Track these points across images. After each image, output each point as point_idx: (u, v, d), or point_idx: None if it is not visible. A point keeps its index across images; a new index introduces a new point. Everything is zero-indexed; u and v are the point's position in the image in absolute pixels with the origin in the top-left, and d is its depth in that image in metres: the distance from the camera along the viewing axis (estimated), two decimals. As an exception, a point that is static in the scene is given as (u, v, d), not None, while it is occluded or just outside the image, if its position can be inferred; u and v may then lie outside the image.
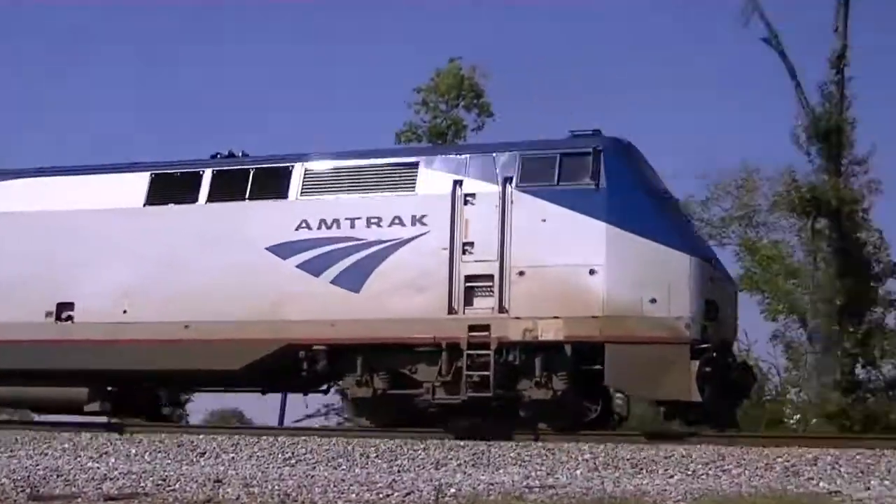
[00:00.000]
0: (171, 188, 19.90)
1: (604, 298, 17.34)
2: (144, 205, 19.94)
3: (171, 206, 19.80)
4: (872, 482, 12.63)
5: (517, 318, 17.72)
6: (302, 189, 19.11)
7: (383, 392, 18.52)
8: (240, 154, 20.44)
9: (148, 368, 19.44)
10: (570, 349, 17.65)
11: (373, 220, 18.59)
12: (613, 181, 17.79)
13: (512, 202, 18.08)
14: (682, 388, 17.03)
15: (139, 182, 20.08)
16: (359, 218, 18.66)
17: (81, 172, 20.98)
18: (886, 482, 12.56)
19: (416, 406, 18.82)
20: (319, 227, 18.84)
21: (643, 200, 17.85)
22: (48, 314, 19.91)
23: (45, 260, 20.10)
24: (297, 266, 18.82)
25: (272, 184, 19.36)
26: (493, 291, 17.92)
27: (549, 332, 17.59)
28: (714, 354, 17.37)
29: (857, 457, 14.01)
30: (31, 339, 19.85)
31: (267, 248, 19.01)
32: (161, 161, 20.44)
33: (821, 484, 12.58)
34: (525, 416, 18.16)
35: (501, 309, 17.83)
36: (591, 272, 17.42)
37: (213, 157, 20.32)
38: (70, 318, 19.84)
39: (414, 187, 18.64)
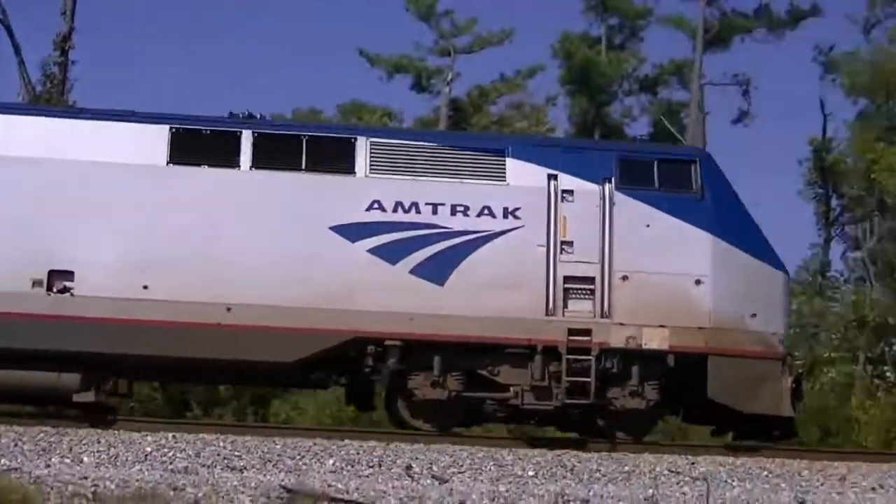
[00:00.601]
0: (201, 147, 17.12)
1: (710, 310, 17.08)
2: (168, 163, 16.97)
3: (204, 167, 17.02)
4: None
5: (620, 324, 17.00)
6: (370, 166, 17.14)
7: (457, 394, 17.02)
8: (258, 116, 18.06)
9: (175, 355, 16.58)
10: (672, 359, 17.09)
11: (458, 209, 17.09)
12: (715, 193, 17.63)
13: (613, 203, 17.28)
14: (776, 402, 17.25)
15: (158, 136, 17.08)
16: (442, 204, 17.07)
17: (87, 117, 17.58)
18: None
19: (481, 410, 17.53)
20: (395, 210, 17.01)
21: (743, 215, 17.81)
22: (36, 283, 16.47)
23: (36, 217, 16.62)
24: (369, 251, 16.87)
25: (334, 156, 17.20)
26: (594, 295, 17.05)
27: (654, 341, 17.03)
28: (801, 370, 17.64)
29: None
30: (12, 312, 16.32)
31: (331, 228, 16.86)
32: (182, 114, 17.53)
33: None
34: (604, 424, 17.43)
35: (603, 314, 16.99)
36: (697, 282, 17.10)
37: (231, 115, 17.80)
38: (67, 289, 16.49)
39: (504, 177, 17.33)
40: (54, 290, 16.47)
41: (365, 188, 17.02)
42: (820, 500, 13.62)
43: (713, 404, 17.27)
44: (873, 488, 14.56)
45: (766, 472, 15.11)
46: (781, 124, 58.36)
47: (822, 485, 14.64)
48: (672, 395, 17.64)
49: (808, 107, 60.11)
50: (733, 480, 14.51)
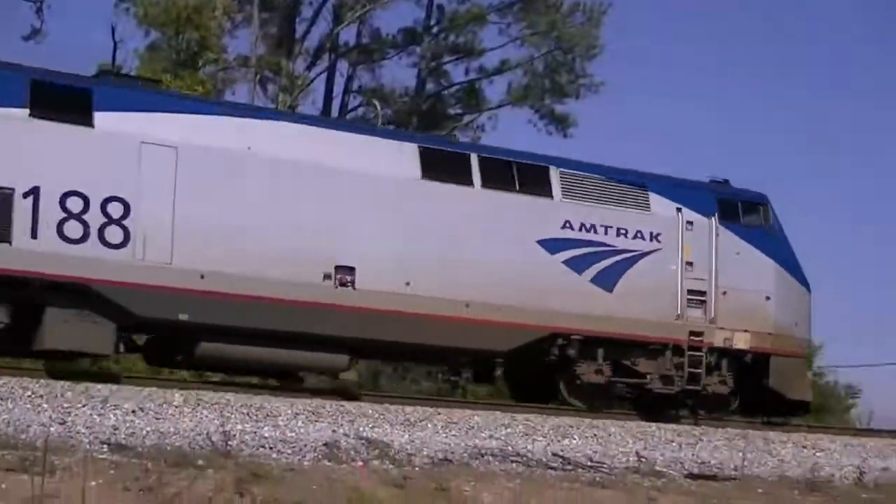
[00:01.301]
0: (444, 166, 20.38)
1: (774, 320, 22.87)
2: (421, 178, 20.16)
3: (448, 184, 20.33)
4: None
5: (721, 328, 22.35)
6: (562, 192, 21.21)
7: (609, 379, 21.67)
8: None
9: (427, 343, 19.97)
10: (749, 357, 22.72)
11: (621, 231, 21.62)
12: (774, 228, 23.35)
13: (717, 234, 22.51)
14: (805, 391, 23.49)
15: (410, 153, 20.19)
16: (611, 227, 21.51)
17: (349, 130, 20.28)
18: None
19: (614, 392, 22.24)
20: (580, 230, 21.25)
21: (788, 245, 23.61)
22: (326, 276, 19.25)
23: (322, 218, 19.30)
24: (563, 262, 21.02)
25: (536, 181, 21.08)
26: (705, 305, 22.25)
27: (741, 342, 22.58)
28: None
29: None
30: (306, 301, 19.07)
31: (537, 242, 20.84)
32: (427, 135, 20.71)
33: None
34: (691, 404, 22.75)
35: (711, 320, 22.27)
36: (767, 298, 22.81)
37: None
38: (349, 283, 19.41)
39: (649, 208, 22.00)
40: (338, 282, 19.26)
41: (559, 210, 21.07)
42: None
43: (763, 392, 22.95)
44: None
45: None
46: (72, 46, 57.46)
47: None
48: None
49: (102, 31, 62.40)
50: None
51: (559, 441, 16.76)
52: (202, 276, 18.11)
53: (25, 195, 17.05)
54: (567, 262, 21.01)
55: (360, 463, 13.63)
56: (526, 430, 16.99)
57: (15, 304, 17.27)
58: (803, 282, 23.68)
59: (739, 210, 23.05)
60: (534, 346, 20.82)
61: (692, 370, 21.97)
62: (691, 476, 15.85)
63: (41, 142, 17.34)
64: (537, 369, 21.74)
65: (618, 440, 17.40)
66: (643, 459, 16.31)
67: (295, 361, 19.37)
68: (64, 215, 17.36)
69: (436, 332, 19.77)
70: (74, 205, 17.45)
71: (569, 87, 40.89)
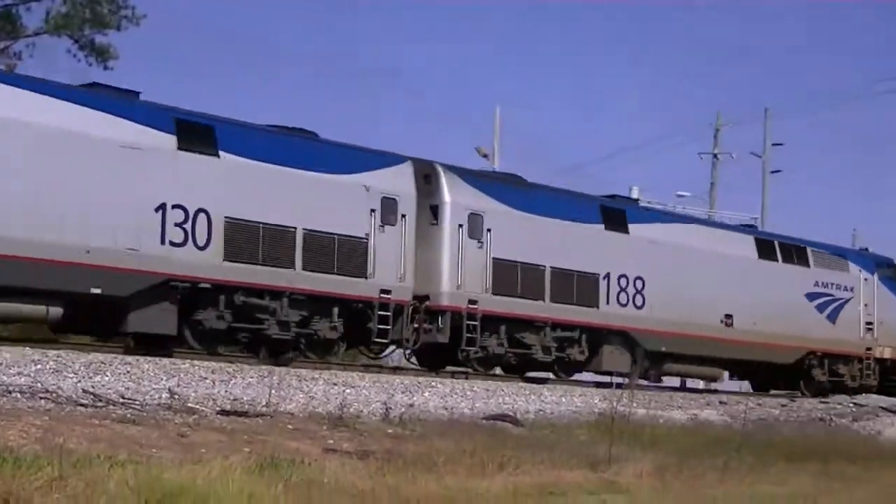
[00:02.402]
0: (774, 251, 33.49)
1: (897, 338, 37.26)
2: (758, 258, 32.98)
3: (768, 261, 33.32)
4: None
5: (880, 345, 36.15)
6: (814, 262, 34.43)
7: (829, 379, 34.95)
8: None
9: (744, 358, 32.89)
10: (889, 362, 36.61)
11: (838, 286, 35.24)
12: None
13: (877, 285, 36.28)
14: None
15: (747, 241, 32.92)
16: (834, 283, 35.08)
17: (721, 227, 32.79)
18: None
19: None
20: (822, 286, 34.69)
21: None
22: (720, 321, 31.65)
23: (711, 283, 31.40)
24: (815, 307, 34.29)
25: (792, 255, 34.40)
26: (872, 330, 35.95)
27: (887, 353, 36.43)
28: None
29: None
30: (707, 336, 31.42)
31: (804, 294, 34.09)
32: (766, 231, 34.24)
33: None
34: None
35: (875, 339, 36.03)
36: (896, 325, 37.09)
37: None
38: (731, 324, 31.87)
39: (848, 270, 35.51)
40: (725, 324, 32.11)
41: (813, 274, 34.37)
42: None
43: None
44: None
45: None
46: None
47: None
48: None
49: None
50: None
51: (91, 378, 16.80)
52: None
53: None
54: (817, 308, 34.18)
55: None
56: (57, 366, 17.04)
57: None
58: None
59: (885, 269, 36.78)
60: (798, 359, 33.86)
61: (867, 371, 35.60)
62: (223, 412, 15.96)
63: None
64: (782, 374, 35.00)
65: (151, 377, 17.66)
66: (176, 396, 16.54)
67: (690, 372, 31.98)
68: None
69: (752, 351, 32.55)
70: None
71: (109, 18, 37.64)
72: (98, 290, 20.40)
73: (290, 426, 15.80)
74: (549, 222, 27.41)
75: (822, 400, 31.78)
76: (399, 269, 24.34)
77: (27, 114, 19.88)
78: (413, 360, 26.81)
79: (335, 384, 19.86)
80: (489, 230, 25.95)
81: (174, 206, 21.28)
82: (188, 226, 21.45)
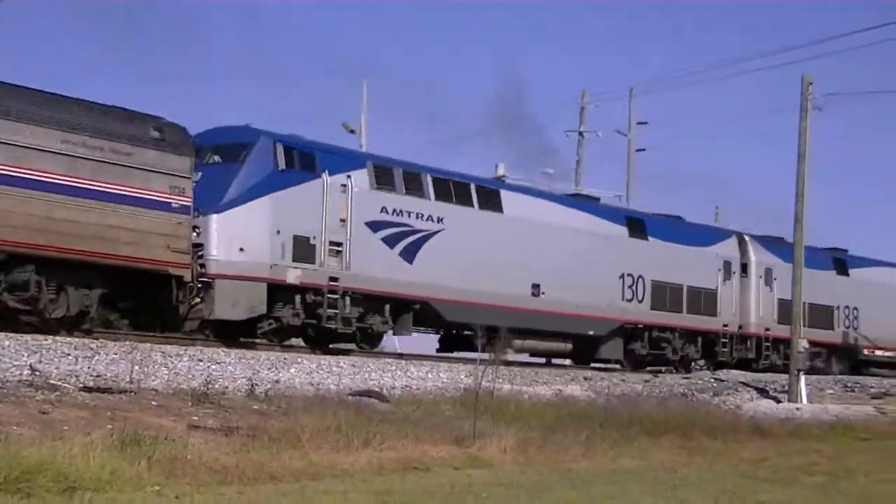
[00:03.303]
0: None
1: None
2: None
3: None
4: None
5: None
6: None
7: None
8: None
9: None
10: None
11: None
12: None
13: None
14: None
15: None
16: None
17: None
18: None
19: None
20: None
21: None
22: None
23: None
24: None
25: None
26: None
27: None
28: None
29: None
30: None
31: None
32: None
33: None
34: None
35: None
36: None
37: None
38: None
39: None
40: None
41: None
42: None
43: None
44: None
45: None
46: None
47: None
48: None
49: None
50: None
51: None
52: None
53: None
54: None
55: None
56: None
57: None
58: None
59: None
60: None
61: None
62: (86, 389, 15.73)
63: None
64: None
65: (12, 353, 17.24)
66: (37, 373, 16.24)
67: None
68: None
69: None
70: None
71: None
72: (591, 332, 31.83)
73: (154, 403, 15.68)
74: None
75: (685, 376, 32.18)
76: (732, 309, 36.05)
77: (546, 215, 31.02)
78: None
79: (200, 360, 19.69)
80: (775, 279, 37.11)
81: (627, 275, 32.79)
82: (633, 287, 32.99)
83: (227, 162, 24.87)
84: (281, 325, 25.35)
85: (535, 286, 29.99)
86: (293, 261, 24.96)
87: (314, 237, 25.32)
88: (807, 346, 29.81)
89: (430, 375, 23.37)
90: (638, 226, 33.89)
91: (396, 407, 18.72)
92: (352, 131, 44.84)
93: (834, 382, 33.72)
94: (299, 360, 22.00)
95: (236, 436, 14.14)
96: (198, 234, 23.28)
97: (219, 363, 19.77)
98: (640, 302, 33.07)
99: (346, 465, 13.73)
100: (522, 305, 29.55)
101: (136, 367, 17.39)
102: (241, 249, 24.11)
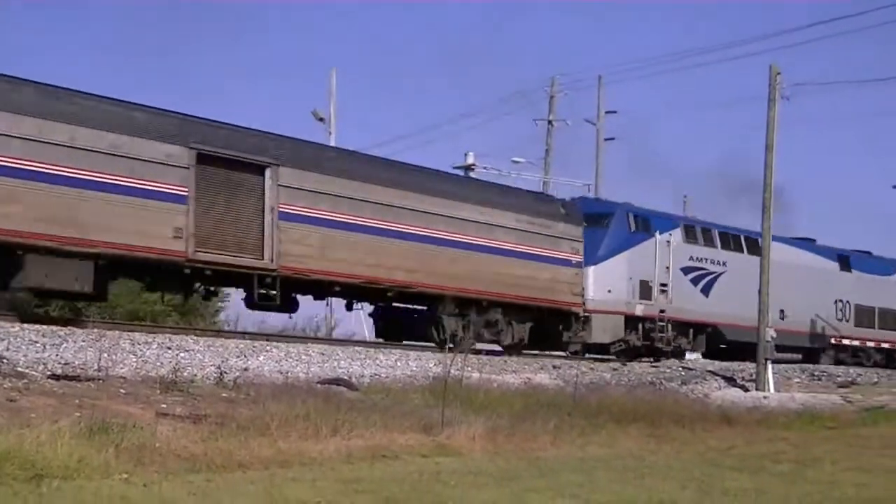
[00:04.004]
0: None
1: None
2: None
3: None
4: None
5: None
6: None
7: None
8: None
9: None
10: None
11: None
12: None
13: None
14: None
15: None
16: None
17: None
18: None
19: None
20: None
21: None
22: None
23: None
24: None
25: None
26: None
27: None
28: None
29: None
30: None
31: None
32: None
33: None
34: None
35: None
36: None
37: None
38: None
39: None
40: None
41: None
42: None
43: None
44: None
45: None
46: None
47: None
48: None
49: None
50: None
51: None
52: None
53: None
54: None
55: None
56: None
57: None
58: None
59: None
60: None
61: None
62: (54, 376, 15.71)
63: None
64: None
65: None
66: (4, 360, 16.17)
67: None
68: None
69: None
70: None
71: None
72: (815, 345, 40.66)
73: (122, 390, 15.67)
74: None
75: (653, 364, 32.35)
76: None
77: (786, 256, 37.52)
78: None
79: (169, 348, 19.74)
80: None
81: (838, 300, 41.94)
82: (843, 310, 42.05)
83: (595, 227, 33.07)
84: (628, 346, 33.82)
85: (781, 311, 37.10)
86: (639, 299, 34.08)
87: (650, 280, 34.51)
88: (774, 335, 29.79)
89: (399, 364, 23.38)
90: (845, 261, 43.33)
91: (365, 395, 18.72)
92: (321, 119, 44.83)
93: (801, 371, 33.96)
94: (268, 347, 22.06)
95: (205, 424, 14.08)
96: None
97: (187, 351, 19.88)
98: (847, 321, 42.54)
99: (315, 453, 13.71)
100: (775, 327, 33.67)
101: (105, 355, 17.41)
102: (609, 291, 33.07)
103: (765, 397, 27.57)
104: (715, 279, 36.61)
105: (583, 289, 31.51)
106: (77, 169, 21.10)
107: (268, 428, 14.05)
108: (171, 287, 24.61)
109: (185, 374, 17.60)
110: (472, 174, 43.18)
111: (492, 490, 12.45)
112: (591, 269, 32.19)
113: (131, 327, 22.33)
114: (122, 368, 17.35)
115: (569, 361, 29.13)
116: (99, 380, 16.06)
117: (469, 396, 19.12)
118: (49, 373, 16.05)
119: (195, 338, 21.83)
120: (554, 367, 27.21)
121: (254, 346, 21.83)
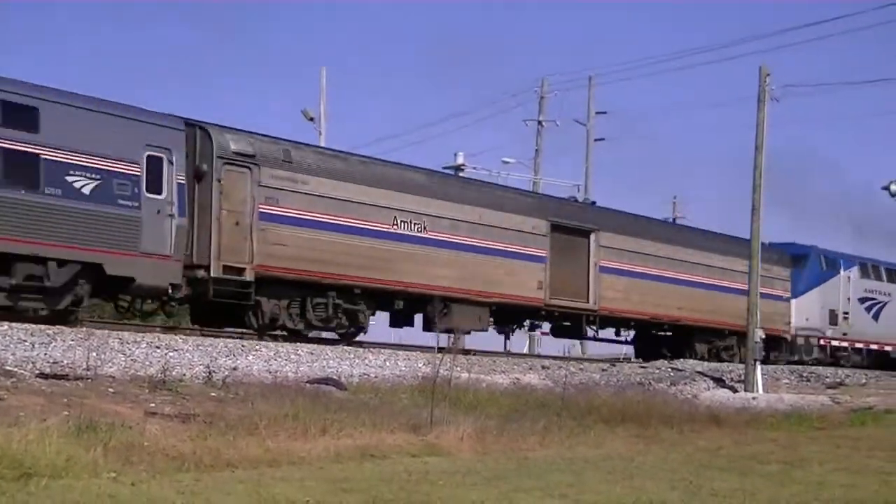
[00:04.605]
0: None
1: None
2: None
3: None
4: None
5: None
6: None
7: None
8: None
9: None
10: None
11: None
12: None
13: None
14: None
15: None
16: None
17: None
18: None
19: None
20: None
21: None
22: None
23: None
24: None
25: None
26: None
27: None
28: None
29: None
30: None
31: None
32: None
33: None
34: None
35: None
36: None
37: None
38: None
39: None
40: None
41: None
42: None
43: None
44: None
45: None
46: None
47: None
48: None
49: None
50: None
51: None
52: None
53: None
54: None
55: None
56: None
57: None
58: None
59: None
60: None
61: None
62: (42, 375, 15.77)
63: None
64: None
65: None
66: None
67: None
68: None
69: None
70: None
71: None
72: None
73: (110, 389, 15.70)
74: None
75: (642, 365, 32.34)
76: None
77: None
78: None
79: (158, 347, 19.75)
80: None
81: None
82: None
83: (795, 266, 40.85)
84: (818, 362, 40.11)
85: None
86: (829, 324, 42.03)
87: (836, 309, 42.37)
88: (763, 336, 29.82)
89: (387, 363, 23.35)
90: None
91: (354, 395, 18.73)
92: (311, 119, 44.80)
93: (790, 372, 33.98)
94: (257, 347, 22.02)
95: (193, 423, 14.12)
96: None
97: (176, 350, 19.88)
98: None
99: (303, 453, 13.72)
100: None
101: (93, 354, 17.36)
102: (807, 319, 41.11)
103: (753, 398, 27.57)
104: (882, 308, 44.62)
105: (789, 318, 40.06)
106: (482, 240, 28.98)
107: (256, 427, 14.07)
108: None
109: (174, 373, 17.63)
110: (461, 174, 43.04)
111: (480, 490, 12.46)
112: (793, 302, 40.44)
113: (120, 326, 22.24)
114: (110, 367, 17.38)
115: (558, 362, 29.18)
116: (87, 379, 16.08)
117: (458, 396, 19.14)
118: (37, 372, 16.06)
119: (184, 337, 21.91)
120: (543, 367, 27.21)
121: (242, 346, 21.87)
